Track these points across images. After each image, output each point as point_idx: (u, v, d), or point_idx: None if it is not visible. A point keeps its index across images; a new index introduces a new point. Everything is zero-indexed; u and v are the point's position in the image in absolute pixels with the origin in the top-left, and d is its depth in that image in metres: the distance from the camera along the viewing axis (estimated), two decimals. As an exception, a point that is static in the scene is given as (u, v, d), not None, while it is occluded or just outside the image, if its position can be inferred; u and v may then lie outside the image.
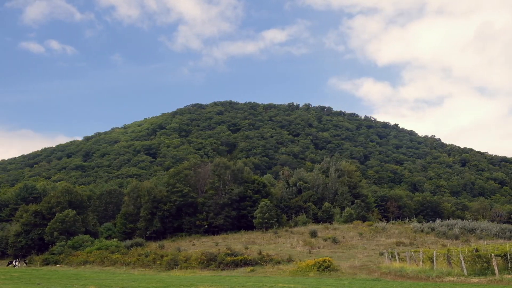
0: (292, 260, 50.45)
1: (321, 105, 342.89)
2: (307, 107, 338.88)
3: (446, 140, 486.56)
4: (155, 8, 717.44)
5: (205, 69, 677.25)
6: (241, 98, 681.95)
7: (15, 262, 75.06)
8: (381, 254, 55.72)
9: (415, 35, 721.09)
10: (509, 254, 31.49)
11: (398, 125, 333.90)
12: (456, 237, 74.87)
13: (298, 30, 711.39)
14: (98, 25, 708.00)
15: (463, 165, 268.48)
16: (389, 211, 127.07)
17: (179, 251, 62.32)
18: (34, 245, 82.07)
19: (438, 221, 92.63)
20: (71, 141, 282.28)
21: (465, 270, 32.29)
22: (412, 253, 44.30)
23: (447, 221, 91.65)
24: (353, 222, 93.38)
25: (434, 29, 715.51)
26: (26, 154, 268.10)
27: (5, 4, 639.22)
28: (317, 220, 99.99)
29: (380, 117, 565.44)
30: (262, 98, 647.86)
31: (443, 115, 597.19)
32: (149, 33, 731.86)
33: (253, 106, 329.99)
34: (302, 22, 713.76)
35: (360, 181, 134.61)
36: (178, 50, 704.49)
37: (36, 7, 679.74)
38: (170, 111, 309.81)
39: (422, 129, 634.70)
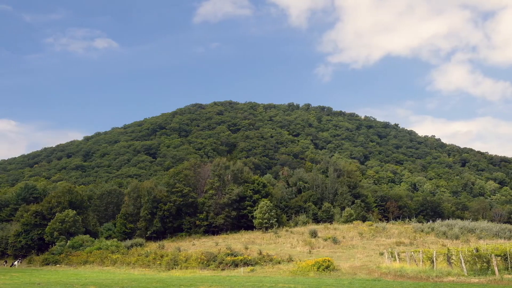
0: (292, 260, 50.44)
1: (321, 105, 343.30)
2: (307, 107, 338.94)
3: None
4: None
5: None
6: (241, 98, 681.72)
7: (15, 262, 75.23)
8: (381, 254, 55.73)
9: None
10: (509, 254, 31.51)
11: (398, 125, 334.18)
12: (456, 237, 74.88)
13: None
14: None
15: (463, 165, 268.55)
16: (389, 211, 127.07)
17: (179, 251, 62.30)
18: (34, 245, 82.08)
19: (438, 221, 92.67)
20: (71, 141, 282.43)
21: (465, 270, 32.30)
22: (412, 253, 44.29)
23: (447, 221, 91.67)
24: (353, 222, 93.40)
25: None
26: (26, 154, 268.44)
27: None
28: (317, 220, 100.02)
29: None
30: (262, 98, 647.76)
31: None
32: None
33: (253, 106, 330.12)
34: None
35: (360, 181, 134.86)
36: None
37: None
38: (170, 111, 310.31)
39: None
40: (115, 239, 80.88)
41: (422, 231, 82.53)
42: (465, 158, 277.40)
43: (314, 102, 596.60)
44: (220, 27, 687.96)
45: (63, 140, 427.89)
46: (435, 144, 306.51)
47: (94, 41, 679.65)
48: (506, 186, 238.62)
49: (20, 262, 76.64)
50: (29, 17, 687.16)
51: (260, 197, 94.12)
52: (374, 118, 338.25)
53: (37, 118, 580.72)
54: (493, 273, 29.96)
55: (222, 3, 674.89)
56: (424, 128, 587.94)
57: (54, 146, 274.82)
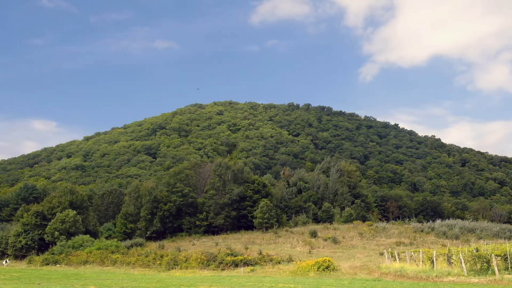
0: (292, 260, 50.45)
1: (321, 105, 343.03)
2: (307, 107, 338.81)
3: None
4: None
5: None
6: (241, 98, 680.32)
7: (4, 262, 75.12)
8: (381, 254, 55.77)
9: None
10: (509, 254, 31.52)
11: (398, 125, 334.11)
12: (456, 237, 74.96)
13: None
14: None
15: (463, 165, 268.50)
16: (389, 211, 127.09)
17: (179, 251, 62.32)
18: (34, 245, 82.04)
19: (438, 221, 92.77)
20: (71, 141, 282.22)
21: (465, 270, 32.30)
22: (412, 253, 44.31)
23: (447, 221, 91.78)
24: (353, 222, 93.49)
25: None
26: (26, 154, 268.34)
27: None
28: (317, 220, 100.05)
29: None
30: (262, 98, 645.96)
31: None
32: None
33: (253, 106, 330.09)
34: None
35: (360, 181, 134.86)
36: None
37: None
38: (170, 111, 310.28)
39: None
40: (115, 239, 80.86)
41: (422, 231, 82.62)
42: (465, 158, 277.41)
43: (350, 103, 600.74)
44: (276, 26, 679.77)
45: (63, 140, 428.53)
46: (435, 144, 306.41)
47: (154, 42, 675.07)
48: (506, 186, 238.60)
49: (8, 263, 76.21)
50: (94, 18, 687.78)
51: (260, 197, 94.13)
52: (374, 118, 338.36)
53: (77, 119, 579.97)
54: (493, 273, 29.96)
55: (282, 2, 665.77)
56: (458, 130, 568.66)
57: (54, 146, 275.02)
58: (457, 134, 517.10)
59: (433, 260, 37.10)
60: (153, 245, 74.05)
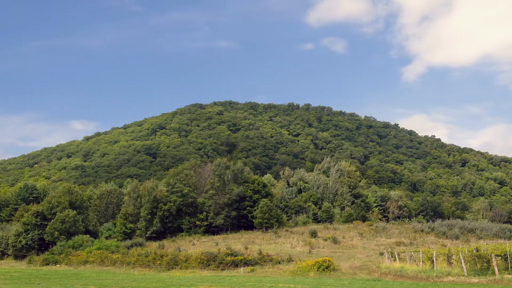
0: (292, 260, 50.46)
1: (321, 105, 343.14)
2: (307, 107, 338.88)
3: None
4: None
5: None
6: (241, 98, 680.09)
7: None
8: (381, 254, 55.77)
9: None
10: (509, 254, 31.52)
11: (398, 125, 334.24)
12: (456, 237, 74.94)
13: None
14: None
15: (463, 165, 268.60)
16: (389, 211, 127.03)
17: (179, 251, 62.31)
18: (34, 245, 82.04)
19: (438, 221, 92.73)
20: (71, 141, 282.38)
21: (465, 270, 32.30)
22: (412, 253, 44.31)
23: (447, 221, 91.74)
24: (353, 222, 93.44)
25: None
26: (26, 154, 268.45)
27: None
28: (317, 220, 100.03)
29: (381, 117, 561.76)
30: (262, 98, 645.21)
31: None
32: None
33: (253, 106, 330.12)
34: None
35: (360, 181, 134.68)
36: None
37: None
38: (170, 111, 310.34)
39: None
40: (115, 239, 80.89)
41: (422, 231, 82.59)
42: (465, 158, 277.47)
43: (389, 103, 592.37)
44: (333, 25, 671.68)
45: (63, 140, 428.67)
46: (435, 144, 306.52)
47: (215, 42, 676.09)
48: (506, 186, 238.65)
49: None
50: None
51: (260, 197, 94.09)
52: (374, 118, 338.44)
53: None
54: (493, 273, 29.96)
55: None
56: (494, 130, 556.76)
57: (54, 146, 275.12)
58: (493, 134, 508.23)
59: (433, 260, 37.10)
60: (153, 245, 74.04)
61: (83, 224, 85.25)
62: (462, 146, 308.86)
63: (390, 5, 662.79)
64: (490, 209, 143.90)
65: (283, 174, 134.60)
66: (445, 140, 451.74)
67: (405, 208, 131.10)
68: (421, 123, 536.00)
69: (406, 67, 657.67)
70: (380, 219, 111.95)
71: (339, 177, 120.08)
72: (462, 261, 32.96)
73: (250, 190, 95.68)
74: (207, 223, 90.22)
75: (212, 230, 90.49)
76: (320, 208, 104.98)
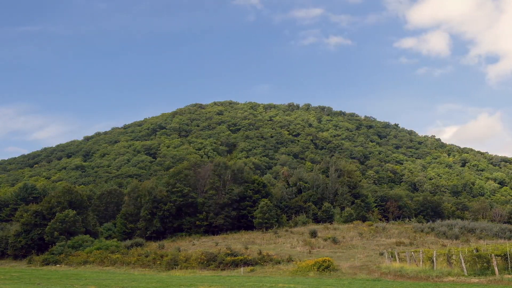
0: (292, 260, 50.45)
1: (321, 105, 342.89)
2: (307, 107, 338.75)
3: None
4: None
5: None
6: (241, 98, 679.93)
7: None
8: (381, 254, 55.76)
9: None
10: (509, 254, 31.51)
11: (398, 125, 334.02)
12: (456, 237, 74.95)
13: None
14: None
15: (463, 165, 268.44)
16: (389, 211, 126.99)
17: (179, 251, 62.31)
18: (34, 245, 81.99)
19: (438, 221, 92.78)
20: (71, 141, 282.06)
21: (465, 270, 32.30)
22: (412, 253, 44.31)
23: (447, 221, 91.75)
24: (353, 222, 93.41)
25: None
26: (26, 154, 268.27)
27: None
28: (317, 220, 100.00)
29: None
30: (262, 98, 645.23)
31: None
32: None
33: (253, 106, 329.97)
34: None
35: (360, 181, 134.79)
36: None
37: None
38: (170, 111, 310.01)
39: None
40: (115, 239, 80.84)
41: (422, 231, 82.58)
42: (465, 158, 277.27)
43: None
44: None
45: (63, 140, 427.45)
46: (435, 144, 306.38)
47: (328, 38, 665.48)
48: (506, 186, 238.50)
49: None
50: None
51: (260, 197, 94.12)
52: (374, 118, 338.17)
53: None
54: (493, 273, 29.96)
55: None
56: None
57: (54, 146, 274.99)
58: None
59: (433, 260, 37.10)
60: (153, 245, 74.03)
61: (83, 224, 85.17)
62: (462, 146, 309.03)
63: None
64: (490, 209, 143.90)
65: (283, 174, 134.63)
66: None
67: (405, 208, 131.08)
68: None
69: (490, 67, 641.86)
70: (380, 219, 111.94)
71: (339, 177, 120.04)
72: (462, 261, 32.95)
73: (250, 190, 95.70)
74: (207, 223, 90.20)
75: (212, 230, 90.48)
76: (320, 208, 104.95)
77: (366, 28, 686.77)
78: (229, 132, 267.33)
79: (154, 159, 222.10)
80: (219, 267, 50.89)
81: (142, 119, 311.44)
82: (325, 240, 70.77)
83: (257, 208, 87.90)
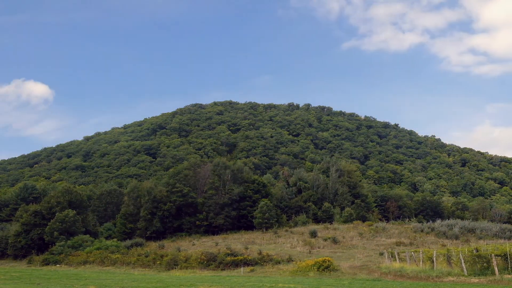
0: (292, 260, 50.45)
1: (321, 105, 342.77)
2: (307, 107, 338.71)
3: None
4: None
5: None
6: (241, 98, 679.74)
7: None
8: (381, 254, 55.77)
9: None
10: (509, 254, 31.50)
11: (398, 125, 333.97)
12: (456, 237, 74.93)
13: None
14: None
15: (463, 165, 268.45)
16: (389, 211, 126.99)
17: (179, 251, 62.32)
18: (34, 245, 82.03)
19: (438, 221, 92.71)
20: (71, 141, 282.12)
21: (465, 270, 32.30)
22: (412, 253, 44.31)
23: (447, 221, 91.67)
24: (353, 222, 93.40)
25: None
26: (26, 154, 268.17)
27: None
28: (317, 220, 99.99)
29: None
30: (262, 98, 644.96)
31: None
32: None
33: (253, 106, 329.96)
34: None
35: (360, 181, 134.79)
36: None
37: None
38: (170, 111, 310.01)
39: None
40: (115, 239, 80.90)
41: (422, 231, 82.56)
42: (465, 158, 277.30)
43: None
44: None
45: (63, 140, 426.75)
46: (435, 144, 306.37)
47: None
48: (506, 186, 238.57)
49: None
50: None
51: (260, 197, 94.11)
52: (374, 118, 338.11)
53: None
54: (493, 273, 29.95)
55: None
56: None
57: (54, 146, 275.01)
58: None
59: (433, 260, 37.10)
60: (153, 245, 74.05)
61: (83, 224, 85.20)
62: (462, 146, 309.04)
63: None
64: (490, 209, 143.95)
65: (282, 174, 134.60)
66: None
67: (405, 208, 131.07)
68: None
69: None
70: (380, 219, 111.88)
71: (339, 177, 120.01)
72: (462, 261, 32.95)
73: (250, 190, 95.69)
74: (207, 223, 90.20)
75: (212, 230, 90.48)
76: (320, 208, 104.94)
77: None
78: (229, 132, 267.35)
79: (154, 159, 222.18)
80: (219, 267, 50.91)
81: (142, 119, 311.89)
82: (325, 240, 70.77)
83: (257, 208, 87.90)
